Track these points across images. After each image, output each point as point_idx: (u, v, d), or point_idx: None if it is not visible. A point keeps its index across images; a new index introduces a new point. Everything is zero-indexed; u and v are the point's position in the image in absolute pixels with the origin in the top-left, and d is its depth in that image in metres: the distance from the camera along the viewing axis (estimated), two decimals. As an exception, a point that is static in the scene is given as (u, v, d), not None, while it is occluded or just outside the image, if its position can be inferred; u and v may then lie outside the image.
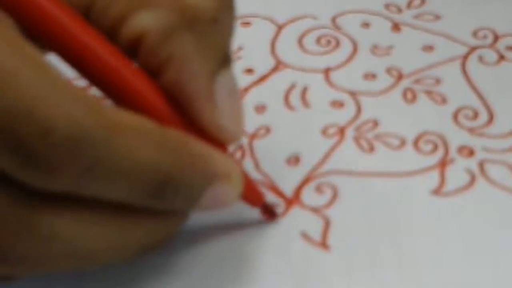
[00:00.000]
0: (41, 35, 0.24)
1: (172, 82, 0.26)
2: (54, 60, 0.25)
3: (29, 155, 0.22)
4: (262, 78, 0.36)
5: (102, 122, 0.23)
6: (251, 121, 0.34)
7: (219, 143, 0.27)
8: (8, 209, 0.24)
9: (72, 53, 0.25)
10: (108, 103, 0.25)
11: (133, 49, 0.26)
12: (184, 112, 0.26)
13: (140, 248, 0.26)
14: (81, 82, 0.26)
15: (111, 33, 0.26)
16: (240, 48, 0.38)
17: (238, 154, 0.33)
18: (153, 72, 0.26)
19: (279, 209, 0.31)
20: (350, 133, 0.34)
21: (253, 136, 0.34)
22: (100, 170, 0.23)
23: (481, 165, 0.32)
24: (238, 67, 0.37)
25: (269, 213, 0.30)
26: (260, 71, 0.37)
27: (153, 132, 0.24)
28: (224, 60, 0.27)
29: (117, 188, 0.24)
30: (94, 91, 0.26)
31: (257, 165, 0.33)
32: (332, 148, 0.33)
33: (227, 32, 0.27)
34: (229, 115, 0.27)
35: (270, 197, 0.31)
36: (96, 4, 0.26)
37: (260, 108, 0.35)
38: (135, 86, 0.25)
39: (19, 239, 0.24)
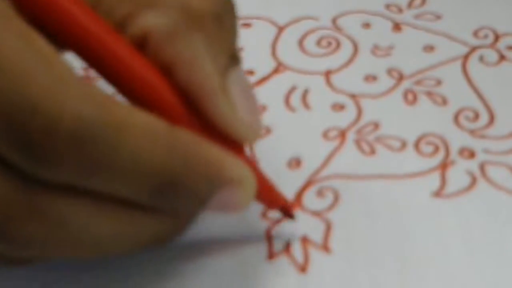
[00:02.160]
0: (52, 26, 0.24)
1: (184, 81, 0.26)
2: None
3: (33, 148, 0.23)
4: (263, 80, 0.36)
5: (109, 119, 0.23)
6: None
7: (235, 145, 0.27)
8: (19, 193, 0.24)
9: (82, 45, 0.25)
10: (119, 99, 0.25)
11: (139, 48, 0.26)
12: (196, 111, 0.26)
13: (147, 242, 0.26)
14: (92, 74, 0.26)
15: (116, 30, 0.26)
16: (240, 50, 0.38)
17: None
18: (161, 70, 0.26)
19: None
20: (351, 136, 0.34)
21: (254, 137, 0.34)
22: (103, 167, 0.24)
23: (482, 166, 0.32)
24: (238, 68, 0.37)
25: (286, 213, 0.30)
26: (260, 72, 0.37)
27: (162, 133, 0.24)
28: (233, 58, 0.27)
29: (121, 185, 0.24)
30: (106, 87, 0.25)
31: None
32: (333, 152, 0.33)
33: (232, 31, 0.27)
34: (247, 110, 0.27)
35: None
36: (102, 4, 0.26)
37: (261, 109, 0.35)
38: (148, 82, 0.25)
39: (28, 222, 0.24)
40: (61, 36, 0.24)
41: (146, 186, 0.25)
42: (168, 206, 0.26)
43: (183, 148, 0.25)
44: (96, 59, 0.25)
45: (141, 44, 0.26)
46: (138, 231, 0.26)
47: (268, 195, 0.29)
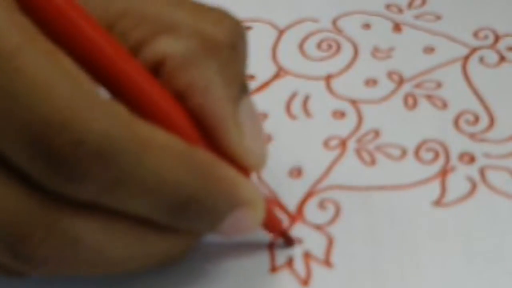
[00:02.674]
0: (67, 48, 0.24)
1: (197, 107, 0.26)
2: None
3: (59, 163, 0.23)
4: (264, 86, 0.36)
5: (133, 136, 0.24)
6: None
7: (243, 170, 0.27)
8: (37, 211, 0.24)
9: (96, 67, 0.25)
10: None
11: (152, 72, 0.26)
12: (207, 136, 0.27)
13: (158, 261, 0.27)
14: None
15: (131, 55, 0.26)
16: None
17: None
18: (174, 95, 0.26)
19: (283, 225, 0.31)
20: (351, 145, 0.34)
21: (255, 144, 0.34)
22: (126, 184, 0.24)
23: (481, 171, 0.33)
24: (239, 73, 0.37)
25: (287, 239, 0.30)
26: (261, 77, 0.37)
27: (182, 152, 0.25)
28: (243, 87, 0.27)
29: (141, 203, 0.25)
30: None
31: (259, 175, 0.33)
32: (334, 162, 0.33)
33: (243, 60, 0.28)
34: (254, 139, 0.27)
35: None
36: (117, 26, 0.26)
37: (262, 116, 0.35)
38: (162, 106, 0.26)
39: (45, 241, 0.24)
40: (76, 58, 0.25)
41: (165, 203, 0.25)
42: (184, 224, 0.26)
43: (202, 167, 0.25)
44: (110, 82, 0.25)
45: (155, 68, 0.26)
46: (151, 250, 0.26)
47: (270, 220, 0.29)
